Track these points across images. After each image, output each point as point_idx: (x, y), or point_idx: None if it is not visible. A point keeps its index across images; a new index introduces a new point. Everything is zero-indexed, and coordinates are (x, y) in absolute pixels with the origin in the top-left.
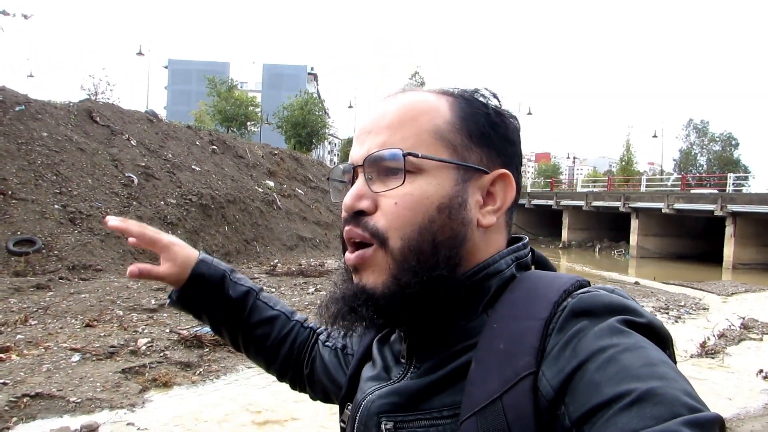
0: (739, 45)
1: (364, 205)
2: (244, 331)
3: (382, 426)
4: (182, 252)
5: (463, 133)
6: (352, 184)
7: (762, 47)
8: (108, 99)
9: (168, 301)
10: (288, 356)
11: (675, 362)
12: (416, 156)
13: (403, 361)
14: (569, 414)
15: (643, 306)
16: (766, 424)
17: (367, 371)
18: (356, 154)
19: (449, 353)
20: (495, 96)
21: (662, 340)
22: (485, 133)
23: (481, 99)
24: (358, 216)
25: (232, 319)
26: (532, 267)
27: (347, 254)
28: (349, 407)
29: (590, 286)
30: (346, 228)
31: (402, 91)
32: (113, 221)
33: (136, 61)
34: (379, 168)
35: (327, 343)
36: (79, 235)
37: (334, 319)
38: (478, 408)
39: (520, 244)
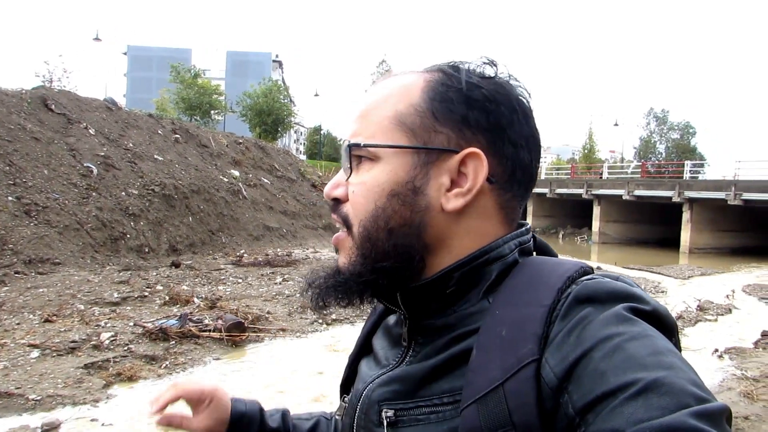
0: (698, 36)
1: (338, 193)
2: None
3: (383, 414)
4: (225, 397)
5: (426, 114)
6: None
7: (720, 39)
8: (64, 86)
9: None
10: None
11: (680, 350)
12: (358, 146)
13: (404, 344)
14: (573, 402)
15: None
16: (721, 401)
17: (367, 360)
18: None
19: (449, 338)
20: (493, 63)
21: (668, 327)
22: (455, 110)
23: (455, 73)
24: (335, 203)
25: None
26: (534, 253)
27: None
28: (346, 399)
29: (593, 273)
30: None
31: (388, 75)
32: (155, 410)
33: (94, 47)
34: (350, 157)
35: None
36: (36, 227)
37: (319, 293)
38: (480, 395)
39: (523, 229)
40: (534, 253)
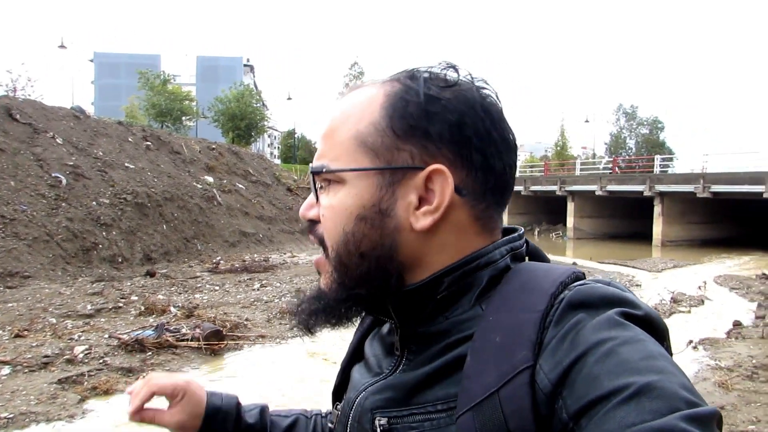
0: (664, 32)
1: (312, 214)
2: None
3: (376, 422)
4: (200, 391)
5: (387, 132)
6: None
7: (685, 35)
8: (29, 95)
9: None
10: None
11: (671, 354)
12: (320, 172)
13: (397, 353)
14: (567, 407)
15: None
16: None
17: (359, 367)
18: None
19: (443, 345)
20: (453, 68)
21: (659, 332)
22: (416, 125)
23: (413, 85)
24: (310, 223)
25: None
26: (527, 258)
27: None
28: (338, 406)
29: (585, 278)
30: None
31: (350, 89)
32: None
33: (59, 55)
34: (315, 182)
35: None
36: (3, 240)
37: (306, 318)
38: (475, 402)
39: (516, 234)
40: (527, 258)
